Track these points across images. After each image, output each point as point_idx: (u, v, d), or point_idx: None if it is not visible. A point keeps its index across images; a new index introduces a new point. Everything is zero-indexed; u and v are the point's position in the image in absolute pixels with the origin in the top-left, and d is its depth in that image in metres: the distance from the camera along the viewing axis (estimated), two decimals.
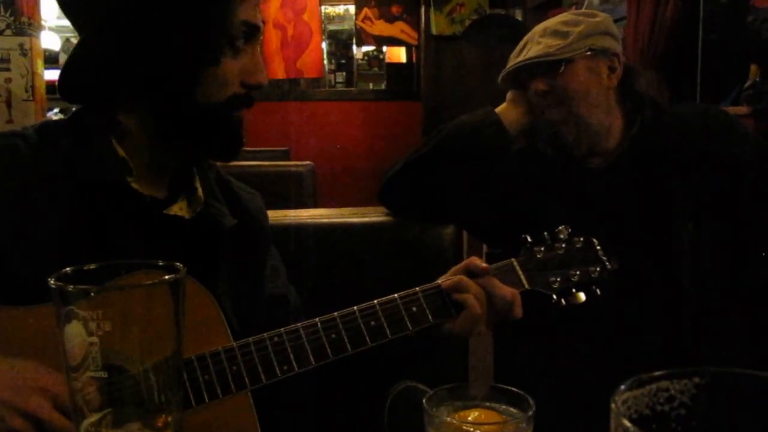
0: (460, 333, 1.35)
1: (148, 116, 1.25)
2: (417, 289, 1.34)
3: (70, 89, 1.28)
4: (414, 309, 1.32)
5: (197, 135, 1.26)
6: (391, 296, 1.31)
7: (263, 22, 1.28)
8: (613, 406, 0.45)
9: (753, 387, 0.49)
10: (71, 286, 0.62)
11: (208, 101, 1.22)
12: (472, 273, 1.37)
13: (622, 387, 0.48)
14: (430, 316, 1.33)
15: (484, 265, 1.38)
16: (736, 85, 3.55)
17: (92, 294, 0.62)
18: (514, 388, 0.91)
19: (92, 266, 0.68)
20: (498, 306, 1.36)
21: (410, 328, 1.31)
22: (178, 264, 0.67)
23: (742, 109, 3.32)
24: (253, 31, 1.24)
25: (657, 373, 0.49)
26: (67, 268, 0.66)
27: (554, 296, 1.43)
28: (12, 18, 4.79)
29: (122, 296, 0.64)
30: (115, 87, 1.25)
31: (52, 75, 7.36)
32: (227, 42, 1.21)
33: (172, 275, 0.65)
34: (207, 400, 1.15)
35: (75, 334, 0.62)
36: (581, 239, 1.47)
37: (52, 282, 0.63)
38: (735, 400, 0.49)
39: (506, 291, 1.36)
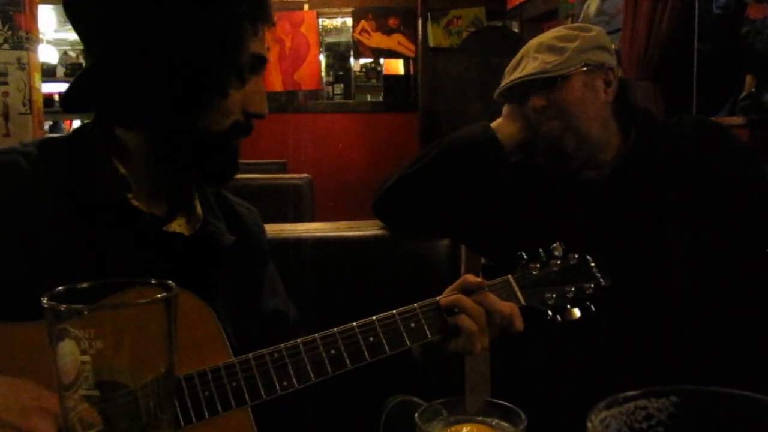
0: (460, 352, 1.36)
1: (148, 137, 1.26)
2: (415, 305, 1.35)
3: (74, 103, 1.28)
4: (412, 325, 1.33)
5: (194, 160, 1.27)
6: (389, 312, 1.32)
7: (268, 49, 1.29)
8: (589, 425, 0.46)
9: (729, 405, 0.49)
10: (63, 306, 0.62)
11: (210, 129, 1.23)
12: (467, 290, 1.38)
13: (600, 406, 0.48)
14: (428, 332, 1.34)
15: (478, 279, 1.39)
16: (731, 96, 3.57)
17: (85, 313, 0.62)
18: (506, 403, 0.91)
19: (85, 285, 0.68)
20: (497, 321, 1.36)
21: (408, 344, 1.32)
22: (170, 282, 0.68)
23: (738, 120, 3.34)
24: (259, 63, 1.26)
25: (634, 392, 0.50)
26: (60, 287, 0.67)
27: (550, 312, 1.44)
28: (10, 32, 4.81)
29: (114, 315, 0.64)
30: (120, 107, 1.26)
31: (50, 88, 7.39)
32: (236, 73, 1.23)
33: (165, 294, 0.65)
34: (207, 416, 1.15)
35: (67, 352, 0.62)
36: (576, 256, 1.48)
37: (44, 301, 0.63)
38: (712, 419, 0.50)
39: (504, 306, 1.37)
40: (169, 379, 0.67)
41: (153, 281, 0.68)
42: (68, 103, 1.29)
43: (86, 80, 1.26)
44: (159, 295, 0.65)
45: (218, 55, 1.19)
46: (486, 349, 1.37)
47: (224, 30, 1.19)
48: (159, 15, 1.17)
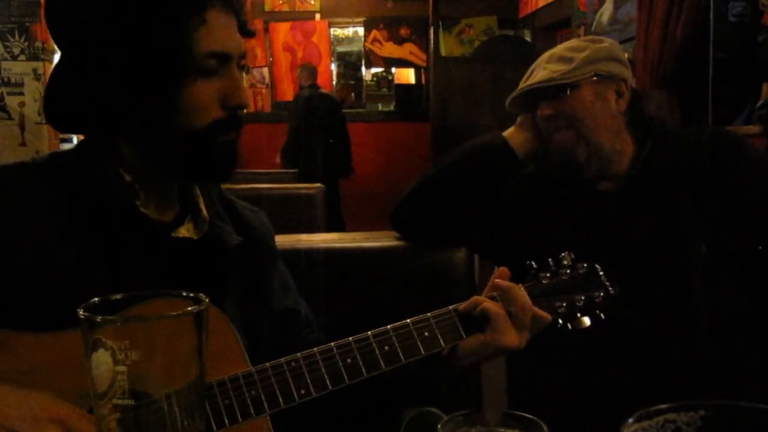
0: (491, 344, 1.35)
1: (136, 143, 1.26)
2: (429, 314, 1.36)
3: (54, 116, 1.29)
4: (426, 334, 1.33)
5: (182, 161, 1.26)
6: (403, 321, 1.33)
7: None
8: None
9: (756, 419, 0.51)
10: (99, 317, 0.63)
11: (186, 128, 1.21)
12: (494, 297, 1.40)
13: (631, 419, 0.50)
14: (441, 341, 1.35)
15: (507, 283, 1.40)
16: (748, 105, 3.56)
17: (119, 324, 0.64)
18: (528, 414, 0.91)
19: (119, 296, 0.69)
20: (519, 316, 1.36)
21: (422, 352, 1.32)
22: (201, 294, 0.69)
23: (755, 129, 3.32)
24: (225, 60, 1.23)
25: (664, 406, 0.52)
26: (95, 299, 0.68)
27: (560, 321, 1.45)
28: (26, 43, 4.86)
29: (148, 327, 0.65)
30: (92, 115, 1.25)
31: None
32: (188, 72, 1.19)
33: (196, 306, 0.66)
34: (227, 425, 1.16)
35: (102, 362, 0.63)
36: (585, 265, 1.49)
37: (80, 312, 0.64)
38: None
39: (526, 301, 1.38)
40: (200, 389, 0.67)
41: (184, 293, 0.69)
42: (52, 120, 1.29)
43: (57, 90, 1.26)
44: (191, 308, 0.66)
45: (155, 53, 1.16)
46: (517, 348, 1.36)
47: (157, 27, 1.15)
48: (96, 17, 1.16)
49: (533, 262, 1.48)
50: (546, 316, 1.39)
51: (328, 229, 3.80)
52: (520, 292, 1.39)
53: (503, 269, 1.46)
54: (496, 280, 1.43)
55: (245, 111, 1.32)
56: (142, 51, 1.16)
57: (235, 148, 1.29)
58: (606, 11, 4.96)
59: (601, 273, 1.49)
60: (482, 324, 1.37)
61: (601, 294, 1.46)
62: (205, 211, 1.35)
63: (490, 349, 1.36)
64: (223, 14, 1.22)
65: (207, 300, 0.68)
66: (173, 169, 1.28)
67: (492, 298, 1.40)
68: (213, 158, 1.26)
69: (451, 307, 1.38)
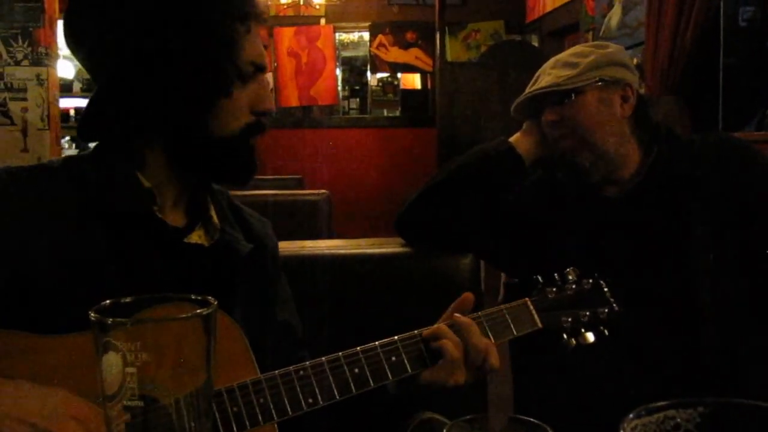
0: (437, 381, 1.34)
1: (166, 148, 1.29)
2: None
3: (92, 132, 1.32)
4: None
5: (213, 164, 1.31)
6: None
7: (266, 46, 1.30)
8: None
9: (754, 416, 0.53)
10: (110, 319, 0.64)
11: (222, 132, 1.27)
12: (452, 325, 1.37)
13: (631, 415, 0.52)
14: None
15: (466, 319, 1.38)
16: (759, 110, 3.54)
17: (128, 326, 0.64)
18: (533, 419, 0.90)
19: (128, 299, 0.70)
20: (471, 355, 1.35)
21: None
22: (210, 297, 0.69)
23: (766, 135, 3.30)
24: (260, 68, 1.31)
25: (664, 403, 0.54)
26: (106, 301, 0.68)
27: (565, 335, 1.47)
28: (29, 49, 4.87)
29: (157, 328, 0.65)
30: (134, 125, 1.28)
31: (66, 103, 7.36)
32: (236, 73, 1.26)
33: (205, 309, 0.67)
34: None
35: (112, 363, 0.64)
36: (590, 281, 1.51)
37: (91, 315, 0.65)
38: (737, 429, 0.53)
39: (481, 341, 1.36)
40: (207, 392, 0.68)
41: (193, 296, 0.70)
42: (87, 136, 1.32)
43: (98, 106, 1.27)
44: (199, 310, 0.66)
45: (216, 56, 1.23)
46: (461, 386, 1.34)
47: (218, 30, 1.22)
48: (153, 25, 1.21)
49: (539, 277, 1.51)
50: (494, 363, 1.36)
51: None
52: (477, 330, 1.36)
53: (466, 296, 1.43)
54: (455, 314, 1.40)
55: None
56: (194, 57, 1.22)
57: (255, 152, 1.34)
58: (614, 16, 4.95)
59: (606, 289, 1.52)
60: (438, 357, 1.35)
61: (606, 310, 1.49)
62: (215, 218, 1.37)
63: (435, 386, 1.35)
64: (258, 26, 1.30)
65: (215, 303, 0.68)
66: (200, 171, 1.32)
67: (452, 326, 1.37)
68: (240, 161, 1.32)
69: (416, 331, 1.36)
